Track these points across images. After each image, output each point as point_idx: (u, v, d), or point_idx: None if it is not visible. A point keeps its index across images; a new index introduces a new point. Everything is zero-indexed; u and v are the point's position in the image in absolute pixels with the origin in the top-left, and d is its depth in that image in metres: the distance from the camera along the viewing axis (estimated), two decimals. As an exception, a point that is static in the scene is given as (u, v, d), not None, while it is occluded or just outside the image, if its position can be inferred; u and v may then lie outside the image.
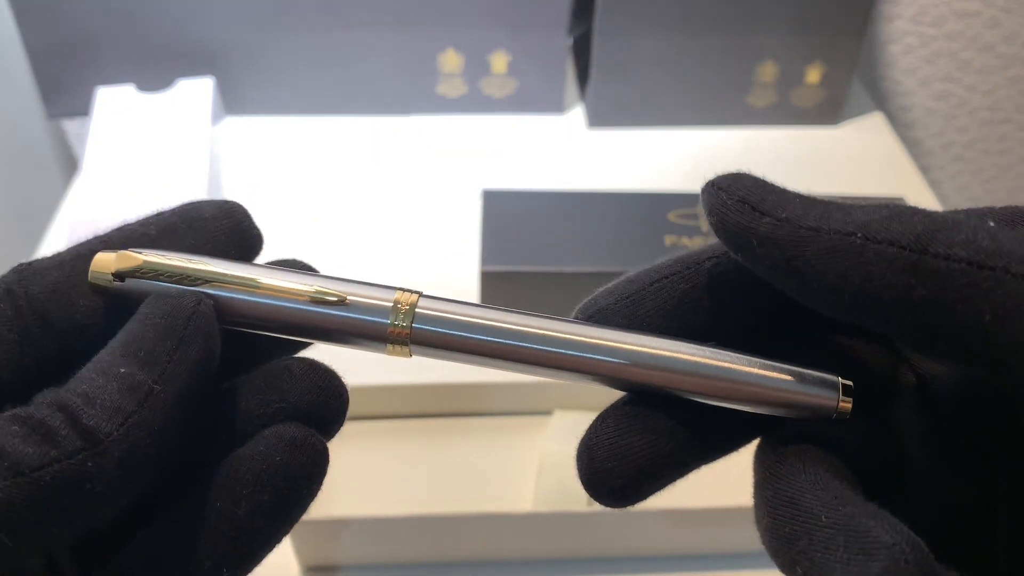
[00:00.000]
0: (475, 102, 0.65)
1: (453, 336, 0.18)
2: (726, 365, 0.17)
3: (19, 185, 0.70)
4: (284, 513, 0.19)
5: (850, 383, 0.17)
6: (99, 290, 0.20)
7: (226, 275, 0.19)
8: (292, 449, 0.19)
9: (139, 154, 0.53)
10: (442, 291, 0.57)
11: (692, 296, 0.19)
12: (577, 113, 0.67)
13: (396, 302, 0.18)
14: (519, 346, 0.18)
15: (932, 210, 0.16)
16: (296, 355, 0.22)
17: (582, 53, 0.67)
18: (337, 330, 0.19)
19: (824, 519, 0.16)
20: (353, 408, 0.42)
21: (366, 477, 0.41)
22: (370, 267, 0.54)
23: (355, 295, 0.19)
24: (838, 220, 0.16)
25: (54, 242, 0.54)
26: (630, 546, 0.39)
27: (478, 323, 0.18)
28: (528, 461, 0.43)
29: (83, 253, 0.21)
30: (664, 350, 0.18)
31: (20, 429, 0.15)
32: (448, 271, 0.53)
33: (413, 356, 0.19)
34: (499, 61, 0.63)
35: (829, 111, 0.65)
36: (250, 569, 0.19)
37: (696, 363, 0.17)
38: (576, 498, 0.40)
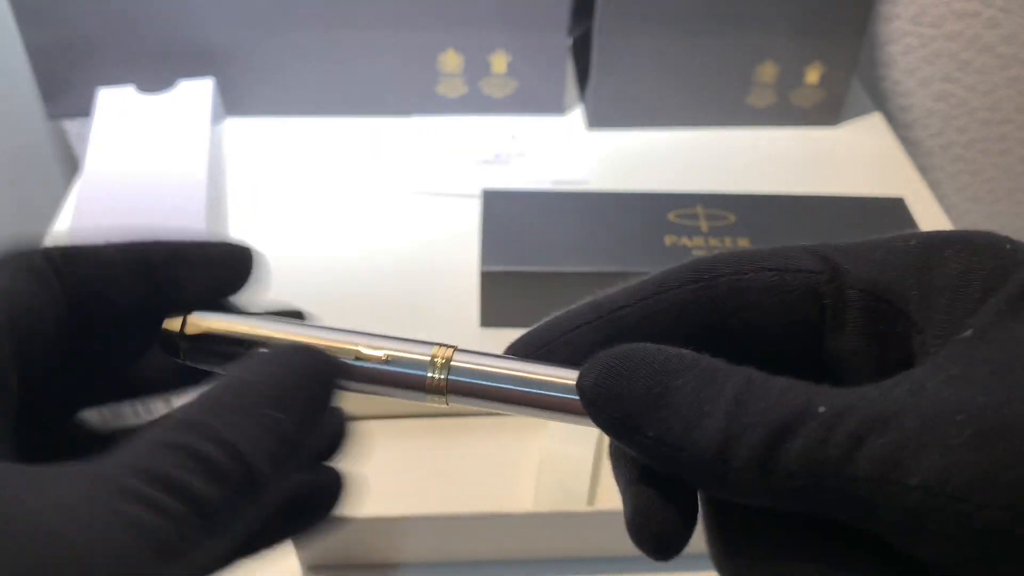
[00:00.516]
0: (475, 102, 0.65)
1: (486, 386, 0.20)
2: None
3: (20, 185, 0.71)
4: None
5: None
6: (168, 348, 0.23)
7: (280, 338, 0.23)
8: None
9: (140, 155, 0.53)
10: (442, 291, 0.57)
11: (604, 345, 0.19)
12: (577, 113, 0.67)
13: (433, 357, 0.20)
14: (544, 395, 0.20)
15: (772, 402, 0.17)
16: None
17: (582, 53, 0.67)
18: (381, 383, 0.21)
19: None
20: (353, 408, 0.42)
21: (366, 477, 0.42)
22: (370, 267, 0.54)
23: (396, 351, 0.21)
24: (698, 440, 0.17)
25: (55, 242, 0.55)
26: (630, 546, 0.39)
27: (507, 374, 0.20)
28: (528, 461, 0.43)
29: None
30: None
31: (193, 464, 0.16)
32: (448, 271, 0.53)
33: (449, 404, 0.21)
34: (499, 61, 0.63)
35: (829, 111, 0.65)
36: None
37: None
38: (576, 498, 0.40)
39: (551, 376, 0.20)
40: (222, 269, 0.24)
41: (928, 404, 0.16)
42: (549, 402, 0.20)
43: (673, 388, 0.18)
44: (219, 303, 0.24)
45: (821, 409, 0.17)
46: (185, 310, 0.23)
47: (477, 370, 0.20)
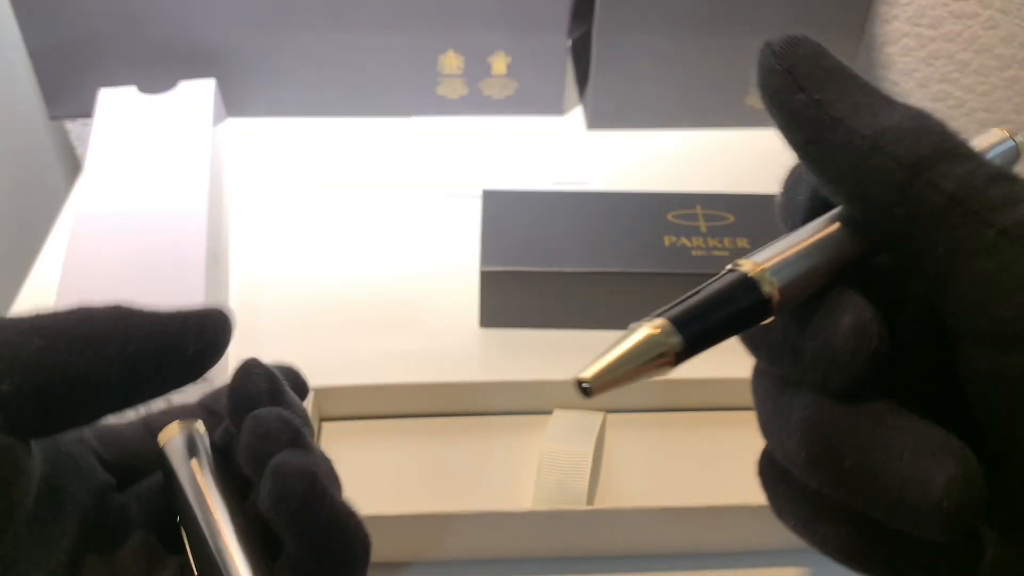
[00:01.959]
0: (475, 103, 0.66)
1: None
2: None
3: (22, 186, 0.71)
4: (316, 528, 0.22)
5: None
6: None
7: None
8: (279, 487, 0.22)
9: (141, 155, 0.53)
10: (442, 291, 0.56)
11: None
12: (577, 114, 0.67)
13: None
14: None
15: (953, 134, 0.17)
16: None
17: (582, 54, 0.67)
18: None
19: (889, 423, 0.16)
20: (353, 408, 0.42)
21: (366, 476, 0.42)
22: (370, 267, 0.54)
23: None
24: (863, 117, 0.17)
25: (57, 243, 0.55)
26: (630, 546, 0.40)
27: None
28: (528, 460, 0.43)
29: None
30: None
31: None
32: (448, 271, 0.53)
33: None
34: (499, 62, 0.64)
35: (828, 112, 0.66)
36: None
37: None
38: (576, 498, 0.40)
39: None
40: (197, 349, 0.24)
41: None
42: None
43: (856, 78, 0.18)
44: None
45: (996, 161, 0.17)
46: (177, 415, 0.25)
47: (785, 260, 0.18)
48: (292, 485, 0.21)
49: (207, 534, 0.24)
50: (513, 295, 0.48)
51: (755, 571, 0.39)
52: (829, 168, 0.17)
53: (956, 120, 0.72)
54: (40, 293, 0.50)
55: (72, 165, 0.76)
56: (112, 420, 0.24)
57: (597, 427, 0.42)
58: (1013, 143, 0.19)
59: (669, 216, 0.50)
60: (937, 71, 0.70)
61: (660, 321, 0.17)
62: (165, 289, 0.44)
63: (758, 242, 0.56)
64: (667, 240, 0.49)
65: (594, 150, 0.64)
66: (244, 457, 0.23)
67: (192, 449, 0.25)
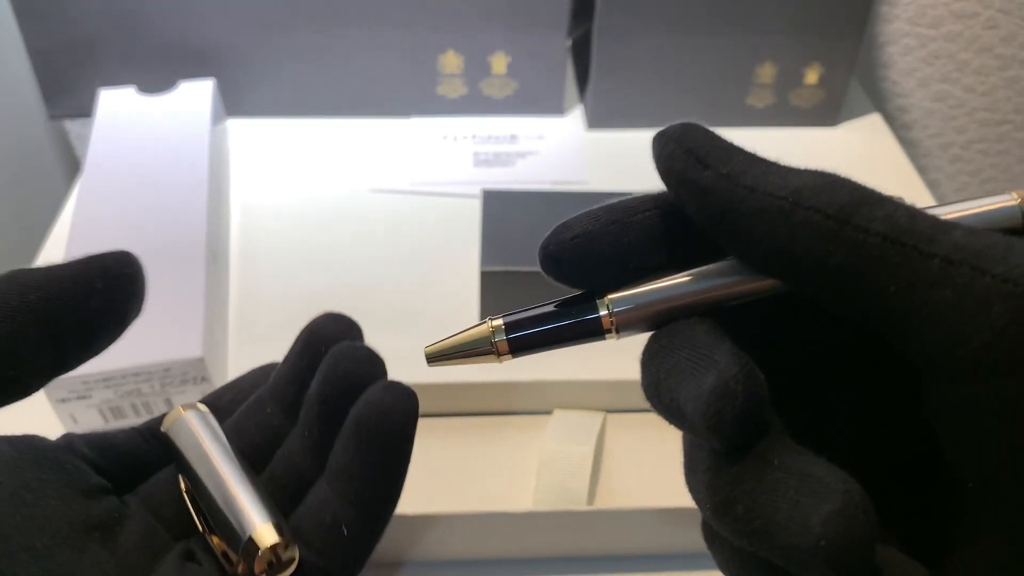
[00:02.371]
0: (475, 103, 0.66)
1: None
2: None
3: (21, 186, 0.71)
4: (391, 456, 0.25)
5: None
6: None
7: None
8: (382, 400, 0.26)
9: (141, 155, 0.53)
10: (442, 291, 0.56)
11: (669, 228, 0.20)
12: (577, 113, 0.67)
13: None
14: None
15: (862, 184, 0.17)
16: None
17: (582, 54, 0.67)
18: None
19: (776, 463, 0.16)
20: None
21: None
22: (370, 267, 0.54)
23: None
24: (774, 182, 0.17)
25: (56, 243, 0.55)
26: (630, 546, 0.40)
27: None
28: (528, 461, 0.43)
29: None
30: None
31: None
32: (448, 271, 0.53)
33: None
34: (499, 62, 0.64)
35: (828, 112, 0.66)
36: (371, 522, 0.25)
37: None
38: (576, 498, 0.40)
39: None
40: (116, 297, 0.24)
41: (1019, 240, 0.16)
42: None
43: (754, 154, 0.18)
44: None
45: (912, 203, 0.17)
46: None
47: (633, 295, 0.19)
48: (395, 416, 0.25)
49: (219, 495, 0.24)
50: (513, 295, 0.48)
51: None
52: (751, 235, 0.17)
53: (956, 120, 0.72)
54: (40, 293, 0.50)
55: (72, 165, 0.76)
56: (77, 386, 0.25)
57: (597, 427, 0.42)
58: (1018, 209, 0.19)
59: (669, 216, 0.50)
60: (937, 71, 0.70)
61: (499, 321, 0.20)
62: (165, 289, 0.44)
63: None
64: (667, 240, 0.49)
65: (594, 150, 0.64)
66: (330, 376, 0.26)
67: (198, 423, 0.26)
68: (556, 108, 0.66)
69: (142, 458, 0.26)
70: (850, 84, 0.65)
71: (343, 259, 0.55)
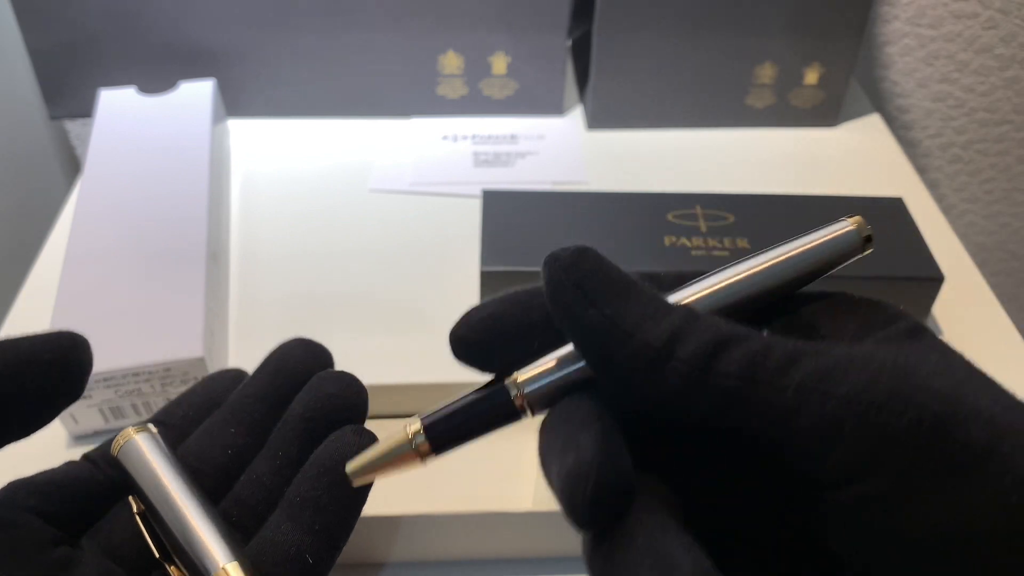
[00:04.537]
0: (475, 103, 0.66)
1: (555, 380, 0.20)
2: (778, 258, 0.21)
3: (22, 186, 0.71)
4: (356, 494, 0.25)
5: (861, 220, 0.21)
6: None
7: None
8: (354, 441, 0.26)
9: (141, 156, 0.53)
10: (442, 291, 0.56)
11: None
12: (577, 113, 0.67)
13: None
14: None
15: (722, 323, 0.18)
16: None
17: (582, 54, 0.67)
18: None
19: (639, 541, 0.17)
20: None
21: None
22: (371, 267, 0.54)
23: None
24: (651, 329, 0.18)
25: (57, 243, 0.55)
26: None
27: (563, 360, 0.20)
28: (528, 461, 0.43)
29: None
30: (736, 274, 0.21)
31: None
32: (448, 271, 0.53)
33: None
34: (499, 62, 0.64)
35: (827, 112, 0.66)
36: (331, 552, 0.25)
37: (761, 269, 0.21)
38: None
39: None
40: (54, 371, 0.24)
41: (858, 351, 0.18)
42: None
43: (639, 288, 0.19)
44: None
45: (766, 333, 0.18)
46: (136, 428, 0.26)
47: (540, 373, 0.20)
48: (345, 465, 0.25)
49: (176, 526, 0.24)
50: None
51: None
52: (627, 381, 0.18)
53: (956, 120, 0.72)
54: (40, 293, 0.50)
55: (72, 165, 0.76)
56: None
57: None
58: (855, 234, 0.21)
59: (669, 216, 0.50)
60: (937, 71, 0.70)
61: (416, 425, 0.21)
62: (165, 289, 0.44)
63: (758, 242, 0.56)
64: (667, 240, 0.49)
65: (594, 150, 0.64)
66: (318, 397, 0.27)
67: (148, 446, 0.25)
68: (556, 108, 0.66)
69: (95, 491, 0.25)
70: (850, 84, 0.65)
71: (343, 259, 0.55)
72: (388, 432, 0.21)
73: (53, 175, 0.75)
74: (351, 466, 0.21)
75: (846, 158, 0.63)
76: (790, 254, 0.20)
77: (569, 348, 0.20)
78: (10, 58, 0.68)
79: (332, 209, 0.58)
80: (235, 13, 0.60)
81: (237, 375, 0.30)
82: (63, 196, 0.61)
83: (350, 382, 0.28)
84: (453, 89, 0.65)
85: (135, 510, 0.25)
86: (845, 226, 0.21)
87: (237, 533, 0.25)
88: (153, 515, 0.24)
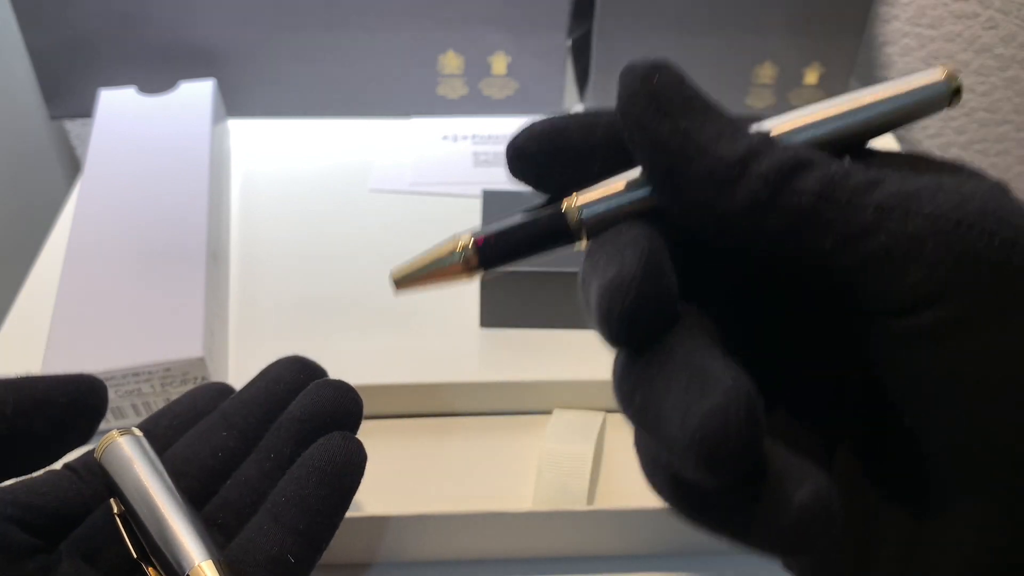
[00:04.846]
0: (475, 103, 0.66)
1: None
2: (863, 100, 0.19)
3: (22, 186, 0.71)
4: (341, 497, 0.25)
5: (951, 71, 0.19)
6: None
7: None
8: (343, 445, 0.25)
9: (141, 155, 0.53)
10: (442, 291, 0.57)
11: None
12: (577, 114, 0.67)
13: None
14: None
15: (802, 147, 0.17)
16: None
17: (582, 54, 0.67)
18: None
19: (678, 356, 0.16)
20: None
21: (365, 476, 0.42)
22: (371, 267, 0.54)
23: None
24: (725, 147, 0.17)
25: (57, 243, 0.55)
26: (630, 546, 0.40)
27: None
28: (528, 461, 0.43)
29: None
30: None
31: None
32: (448, 272, 0.53)
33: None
34: (499, 62, 0.64)
35: (828, 112, 0.66)
36: (313, 554, 0.25)
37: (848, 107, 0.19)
38: (576, 498, 0.40)
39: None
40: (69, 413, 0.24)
41: (947, 179, 0.16)
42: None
43: (717, 108, 0.18)
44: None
45: (847, 160, 0.17)
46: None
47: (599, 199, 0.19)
48: (356, 461, 0.26)
49: (154, 527, 0.24)
50: (513, 295, 0.48)
51: (755, 570, 0.39)
52: (695, 197, 0.17)
53: (956, 120, 0.72)
54: (40, 293, 0.50)
55: (72, 165, 0.76)
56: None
57: (597, 427, 0.42)
58: (944, 87, 0.19)
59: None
60: (937, 71, 0.70)
61: (467, 235, 0.20)
62: (165, 289, 0.44)
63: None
64: (667, 240, 0.49)
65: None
66: (317, 400, 0.27)
67: (132, 449, 0.25)
68: (556, 108, 0.66)
69: (75, 499, 0.25)
70: (850, 84, 0.65)
71: (343, 259, 0.55)
72: (440, 241, 0.20)
73: (53, 175, 0.75)
74: (396, 270, 0.20)
75: (846, 158, 0.63)
76: (876, 97, 0.19)
77: (632, 175, 0.19)
78: (10, 58, 0.68)
79: (332, 209, 0.58)
80: (235, 13, 0.60)
81: (223, 388, 0.30)
82: (63, 196, 0.61)
83: (347, 390, 0.28)
84: (453, 89, 0.65)
85: (115, 511, 0.25)
86: (936, 75, 0.19)
87: (218, 534, 0.25)
88: (132, 516, 0.24)
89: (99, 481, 0.26)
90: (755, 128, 0.19)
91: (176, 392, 0.42)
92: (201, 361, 0.41)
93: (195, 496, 0.26)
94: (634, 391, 0.17)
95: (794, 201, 0.16)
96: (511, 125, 0.69)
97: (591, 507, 0.40)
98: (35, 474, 0.26)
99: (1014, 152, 0.74)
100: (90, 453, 0.26)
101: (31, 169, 0.72)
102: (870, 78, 0.72)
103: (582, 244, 0.19)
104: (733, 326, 0.19)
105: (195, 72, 0.61)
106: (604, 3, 0.59)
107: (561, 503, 0.40)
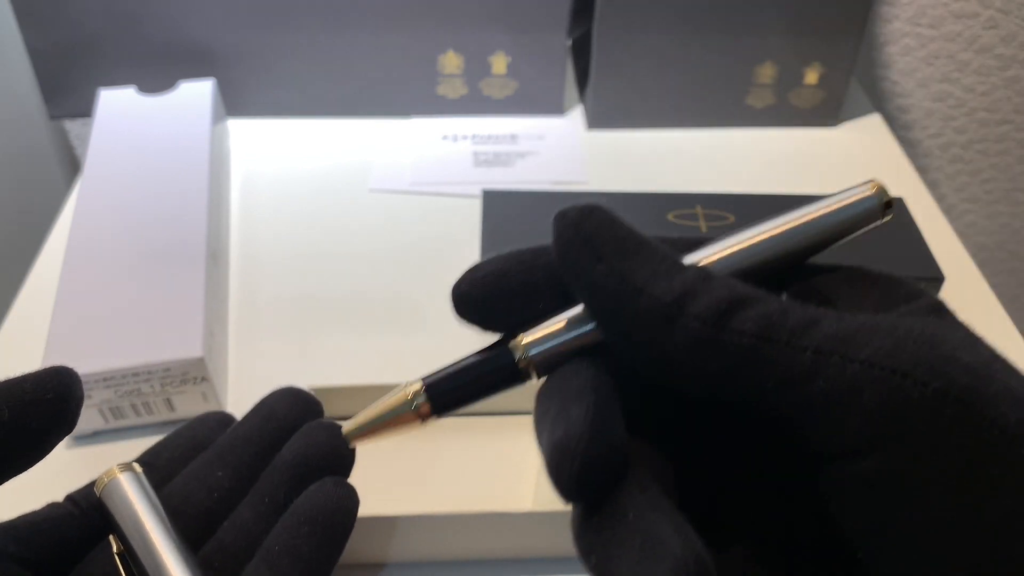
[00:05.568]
0: (475, 103, 0.66)
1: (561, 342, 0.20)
2: (797, 221, 0.20)
3: (21, 185, 0.71)
4: (334, 545, 0.25)
5: (880, 186, 0.20)
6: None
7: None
8: (335, 492, 0.25)
9: (141, 155, 0.53)
10: (442, 291, 0.56)
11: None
12: (577, 113, 0.67)
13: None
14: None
15: (737, 283, 0.18)
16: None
17: (582, 54, 0.67)
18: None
19: (630, 518, 0.17)
20: (353, 408, 0.42)
21: (365, 476, 0.42)
22: (371, 267, 0.54)
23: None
24: (661, 286, 0.17)
25: (57, 243, 0.55)
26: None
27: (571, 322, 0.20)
28: (528, 461, 0.43)
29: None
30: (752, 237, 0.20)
31: None
32: (448, 271, 0.53)
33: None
34: (499, 62, 0.64)
35: (828, 112, 0.66)
36: None
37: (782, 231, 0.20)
38: (576, 497, 0.40)
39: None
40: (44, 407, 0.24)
41: (882, 318, 0.17)
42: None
43: (651, 246, 0.18)
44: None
45: (784, 296, 0.17)
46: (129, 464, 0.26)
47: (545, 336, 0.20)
48: (348, 508, 0.26)
49: (150, 561, 0.24)
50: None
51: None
52: (637, 338, 0.18)
53: (956, 120, 0.72)
54: (40, 293, 0.50)
55: (72, 165, 0.76)
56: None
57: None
58: (875, 200, 0.19)
59: (669, 216, 0.50)
60: (937, 71, 0.70)
61: (417, 384, 0.20)
62: (165, 289, 0.44)
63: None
64: (667, 240, 0.49)
65: (594, 150, 0.64)
66: (311, 444, 0.27)
67: (131, 487, 0.25)
68: (556, 108, 0.66)
69: (76, 535, 0.25)
70: (850, 84, 0.65)
71: (343, 259, 0.55)
72: (387, 392, 0.20)
73: (53, 175, 0.75)
74: (348, 427, 0.20)
75: (846, 158, 0.63)
76: (807, 218, 0.19)
77: (576, 311, 0.19)
78: (10, 58, 0.68)
79: (332, 209, 0.58)
80: (235, 13, 0.60)
81: (223, 419, 0.30)
82: (63, 196, 0.61)
83: (339, 433, 0.28)
84: (453, 89, 0.65)
85: (115, 550, 0.25)
86: (864, 191, 0.19)
87: (227, 574, 0.25)
88: (132, 557, 0.24)
89: (100, 515, 0.26)
90: (690, 259, 0.19)
91: (176, 392, 0.42)
92: (201, 361, 0.41)
93: (192, 537, 0.26)
94: (590, 552, 0.17)
95: (732, 342, 0.17)
96: (511, 125, 0.69)
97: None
98: (36, 509, 0.26)
99: (1014, 152, 0.74)
100: (91, 485, 0.26)
101: (31, 169, 0.72)
102: (870, 78, 0.72)
103: (533, 381, 0.20)
104: (685, 458, 0.19)
105: (195, 72, 0.61)
106: (604, 3, 0.59)
107: (561, 503, 0.40)
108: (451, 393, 0.20)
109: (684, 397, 0.19)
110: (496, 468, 0.43)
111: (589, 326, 0.19)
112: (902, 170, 0.62)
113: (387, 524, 0.37)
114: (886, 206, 0.19)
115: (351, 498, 0.27)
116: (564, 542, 0.39)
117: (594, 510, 0.17)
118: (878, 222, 0.20)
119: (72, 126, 0.73)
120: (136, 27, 0.60)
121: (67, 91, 0.63)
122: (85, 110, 0.61)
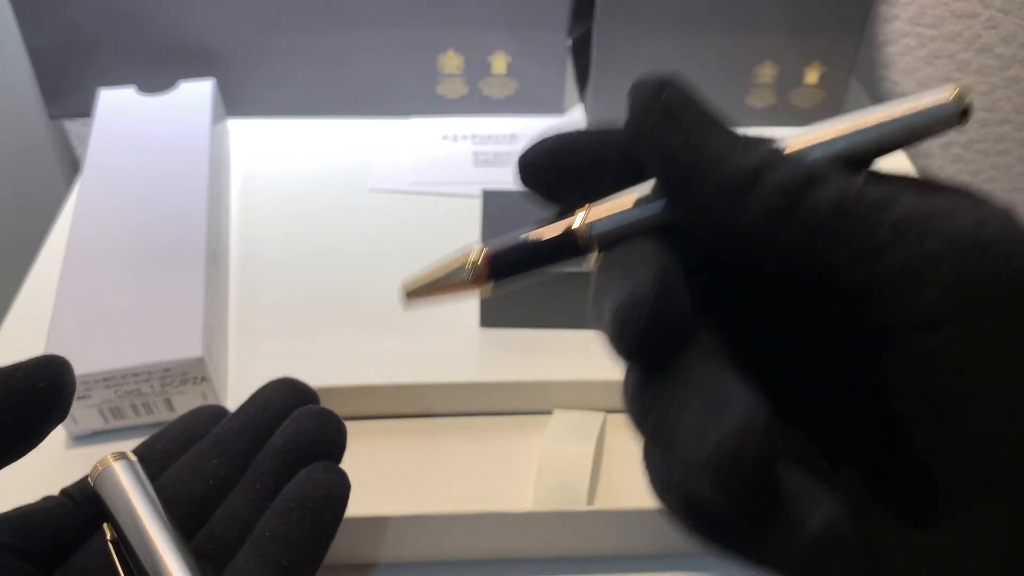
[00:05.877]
0: (475, 103, 0.66)
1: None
2: (870, 120, 0.19)
3: (21, 185, 0.71)
4: (325, 530, 0.25)
5: (961, 90, 0.19)
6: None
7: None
8: (324, 478, 0.26)
9: (140, 155, 0.53)
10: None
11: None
12: (577, 113, 0.67)
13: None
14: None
15: (818, 163, 0.17)
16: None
17: (582, 54, 0.67)
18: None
19: (692, 379, 0.17)
20: (353, 408, 0.42)
21: (365, 476, 0.42)
22: (371, 267, 0.54)
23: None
24: (737, 159, 0.17)
25: (57, 243, 0.55)
26: (630, 546, 0.40)
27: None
28: (528, 461, 0.43)
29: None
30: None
31: None
32: (448, 271, 0.53)
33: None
34: (499, 62, 0.64)
35: (828, 112, 0.66)
36: None
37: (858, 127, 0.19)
38: (576, 498, 0.40)
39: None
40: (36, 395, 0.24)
41: (965, 198, 0.17)
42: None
43: (726, 121, 0.18)
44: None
45: (862, 176, 0.17)
46: None
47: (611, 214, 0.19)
48: (338, 493, 0.26)
49: (146, 557, 0.24)
50: (513, 295, 0.48)
51: (756, 572, 0.39)
52: (709, 208, 0.17)
53: (956, 120, 0.72)
54: (40, 293, 0.50)
55: (72, 165, 0.76)
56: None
57: (597, 427, 0.42)
58: (954, 106, 0.19)
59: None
60: (938, 71, 0.70)
61: (477, 249, 0.20)
62: (165, 289, 0.44)
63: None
64: (667, 240, 0.49)
65: (594, 150, 0.64)
66: (300, 431, 0.27)
67: (126, 475, 0.25)
68: (556, 108, 0.66)
69: (70, 526, 0.25)
70: (850, 84, 0.65)
71: (343, 259, 0.55)
72: (450, 253, 0.20)
73: (53, 175, 0.75)
74: (407, 282, 0.21)
75: (846, 158, 0.63)
76: (885, 117, 0.19)
77: (643, 190, 0.19)
78: (10, 58, 0.68)
79: (332, 209, 0.58)
80: (235, 13, 0.60)
81: (217, 411, 0.30)
82: (63, 196, 0.61)
83: (330, 418, 0.28)
84: (453, 89, 0.65)
85: (108, 538, 0.25)
86: (945, 95, 0.19)
87: (207, 566, 0.25)
88: (125, 544, 0.24)
89: (94, 507, 0.26)
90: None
91: (176, 392, 0.42)
92: (201, 361, 0.41)
93: (186, 525, 0.26)
94: (648, 410, 0.17)
95: (809, 214, 0.16)
96: (511, 125, 0.69)
97: (591, 507, 0.40)
98: (31, 502, 0.26)
99: (1014, 152, 0.74)
100: (85, 479, 0.26)
101: (31, 169, 0.72)
102: (870, 78, 0.72)
103: (592, 259, 0.19)
104: (744, 341, 0.19)
105: (195, 72, 0.61)
106: (604, 3, 0.59)
107: (561, 503, 0.40)
108: (510, 262, 0.20)
109: (746, 280, 0.19)
110: (496, 468, 0.43)
111: (655, 206, 0.19)
112: (902, 170, 0.62)
113: (387, 523, 0.37)
114: (963, 113, 0.19)
115: (341, 483, 0.27)
116: (564, 542, 0.39)
117: (652, 375, 0.17)
118: (954, 127, 0.19)
119: (72, 126, 0.73)
120: (136, 27, 0.60)
121: (67, 91, 0.63)
122: (85, 110, 0.61)
